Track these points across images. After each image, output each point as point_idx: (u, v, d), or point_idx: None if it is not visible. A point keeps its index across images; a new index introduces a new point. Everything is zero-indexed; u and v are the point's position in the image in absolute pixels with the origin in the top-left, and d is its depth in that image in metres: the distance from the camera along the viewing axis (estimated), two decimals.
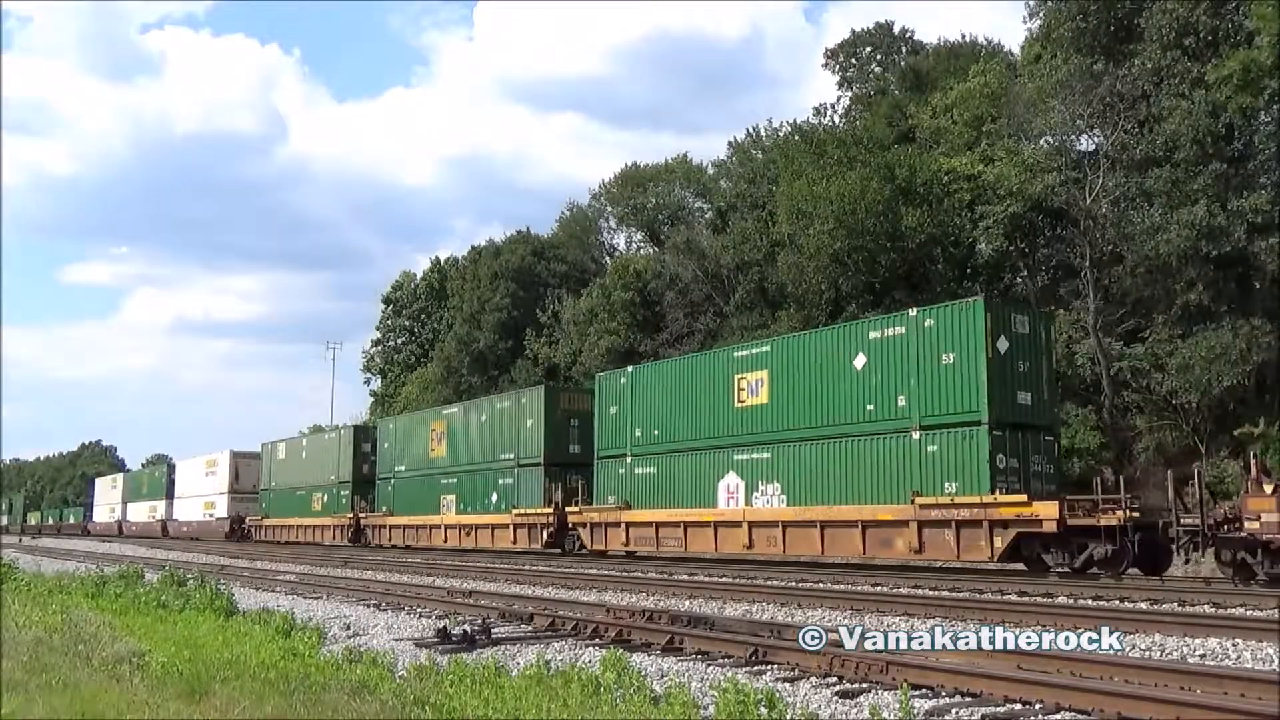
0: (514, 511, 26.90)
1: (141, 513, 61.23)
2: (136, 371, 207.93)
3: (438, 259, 67.26)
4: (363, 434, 37.93)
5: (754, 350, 20.89)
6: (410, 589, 15.33)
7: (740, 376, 20.49)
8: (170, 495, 56.29)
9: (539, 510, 26.06)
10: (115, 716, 6.14)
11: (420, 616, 11.85)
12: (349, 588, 15.77)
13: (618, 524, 23.04)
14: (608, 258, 54.64)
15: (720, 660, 7.87)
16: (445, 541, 30.16)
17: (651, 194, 52.00)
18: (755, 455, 19.85)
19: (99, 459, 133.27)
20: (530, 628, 10.17)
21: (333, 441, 39.31)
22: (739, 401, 20.37)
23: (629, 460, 23.28)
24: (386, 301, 69.41)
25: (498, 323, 52.36)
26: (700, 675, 7.28)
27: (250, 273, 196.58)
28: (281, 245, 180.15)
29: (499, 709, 5.94)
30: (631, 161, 57.23)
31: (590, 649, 8.72)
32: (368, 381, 71.29)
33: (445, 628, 9.48)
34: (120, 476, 71.90)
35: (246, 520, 45.27)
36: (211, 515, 49.05)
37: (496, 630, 9.76)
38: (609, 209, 55.20)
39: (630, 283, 44.44)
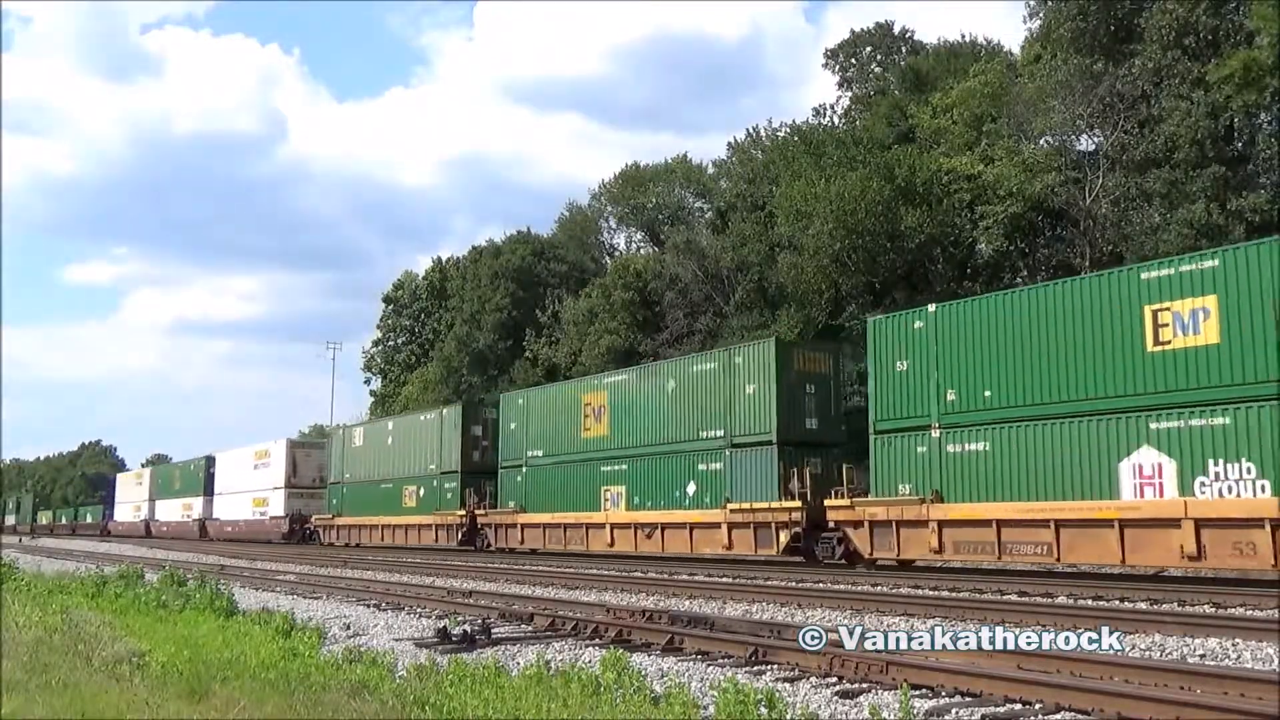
0: (728, 507, 20.18)
1: (173, 511, 55.42)
2: (136, 371, 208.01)
3: (439, 259, 67.25)
4: (473, 414, 30.68)
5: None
6: (410, 589, 15.34)
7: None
8: (209, 491, 49.95)
9: (773, 506, 19.35)
10: (115, 716, 6.14)
11: (420, 616, 11.85)
12: (349, 588, 15.78)
13: (924, 522, 16.25)
14: (608, 258, 54.64)
15: (720, 660, 7.87)
16: (611, 545, 23.02)
17: (651, 194, 51.99)
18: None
19: (99, 459, 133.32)
20: (530, 628, 10.17)
21: (432, 424, 31.55)
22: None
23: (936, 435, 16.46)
24: (387, 301, 69.40)
25: (498, 323, 52.36)
26: (700, 675, 7.28)
27: (250, 273, 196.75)
28: (281, 245, 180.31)
29: (499, 709, 5.94)
30: (631, 161, 57.28)
31: (590, 649, 8.72)
32: (368, 381, 71.34)
33: (445, 628, 9.48)
34: (147, 471, 63.79)
35: (312, 520, 38.63)
36: (263, 514, 42.90)
37: (496, 630, 9.76)
38: (609, 209, 55.20)
39: (630, 283, 44.45)
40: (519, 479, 26.50)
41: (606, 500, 23.59)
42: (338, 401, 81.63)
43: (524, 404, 27.48)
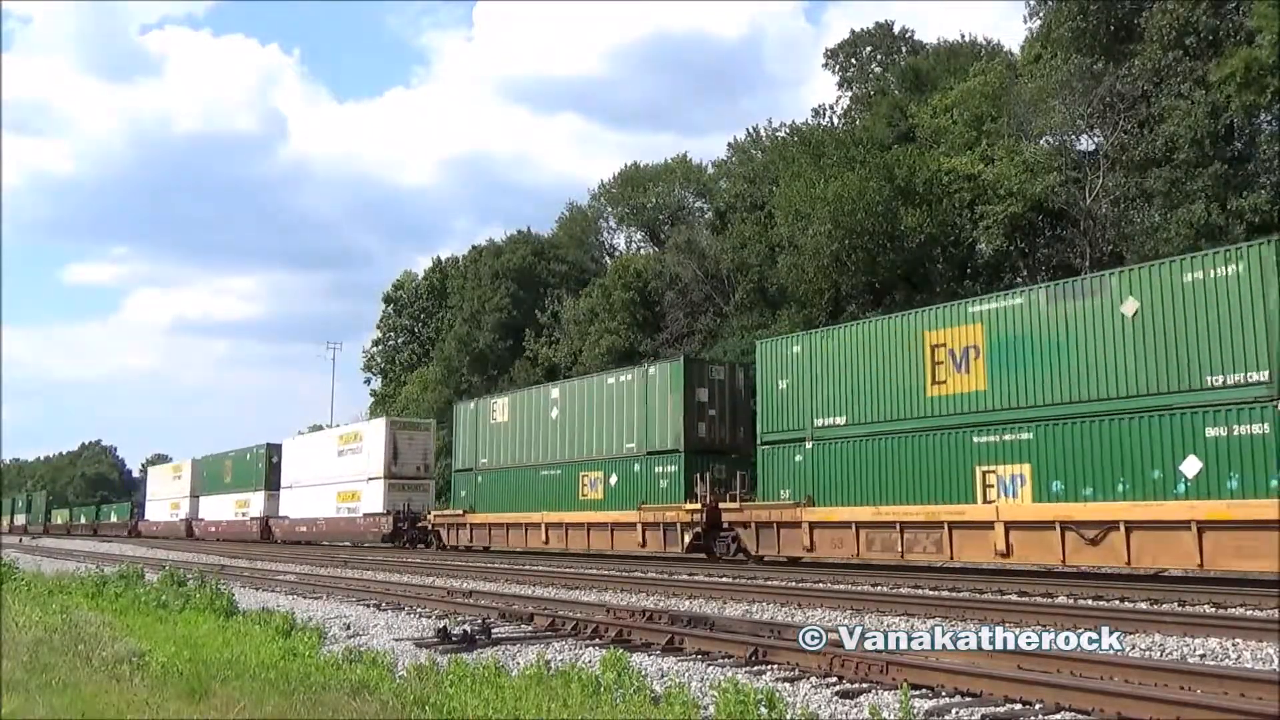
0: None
1: (223, 508, 48.52)
2: (136, 371, 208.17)
3: (439, 259, 67.33)
4: (696, 373, 22.49)
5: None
6: (410, 589, 15.33)
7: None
8: (273, 484, 43.05)
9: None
10: (115, 716, 6.13)
11: (420, 616, 11.85)
12: (349, 588, 15.77)
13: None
14: (608, 258, 54.70)
15: (720, 660, 7.86)
16: (1007, 554, 15.22)
17: (651, 194, 52.05)
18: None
19: (99, 459, 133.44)
20: (530, 628, 10.17)
21: (630, 388, 23.33)
22: None
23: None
24: (387, 301, 69.49)
25: (498, 323, 52.41)
26: (700, 675, 7.27)
27: (250, 273, 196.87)
28: (281, 245, 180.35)
29: (499, 709, 5.94)
30: (631, 161, 57.33)
31: (590, 649, 8.71)
32: (368, 381, 71.44)
33: (445, 628, 9.48)
34: (187, 463, 55.70)
35: (429, 517, 31.02)
36: (353, 510, 35.68)
37: (496, 630, 9.76)
38: (609, 209, 55.29)
39: (630, 282, 44.49)
40: (798, 459, 18.91)
41: (984, 483, 18.00)
42: (337, 401, 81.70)
43: (807, 349, 19.13)
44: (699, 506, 20.50)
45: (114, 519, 68.77)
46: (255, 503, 44.55)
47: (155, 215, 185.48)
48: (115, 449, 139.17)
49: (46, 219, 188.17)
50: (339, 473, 37.14)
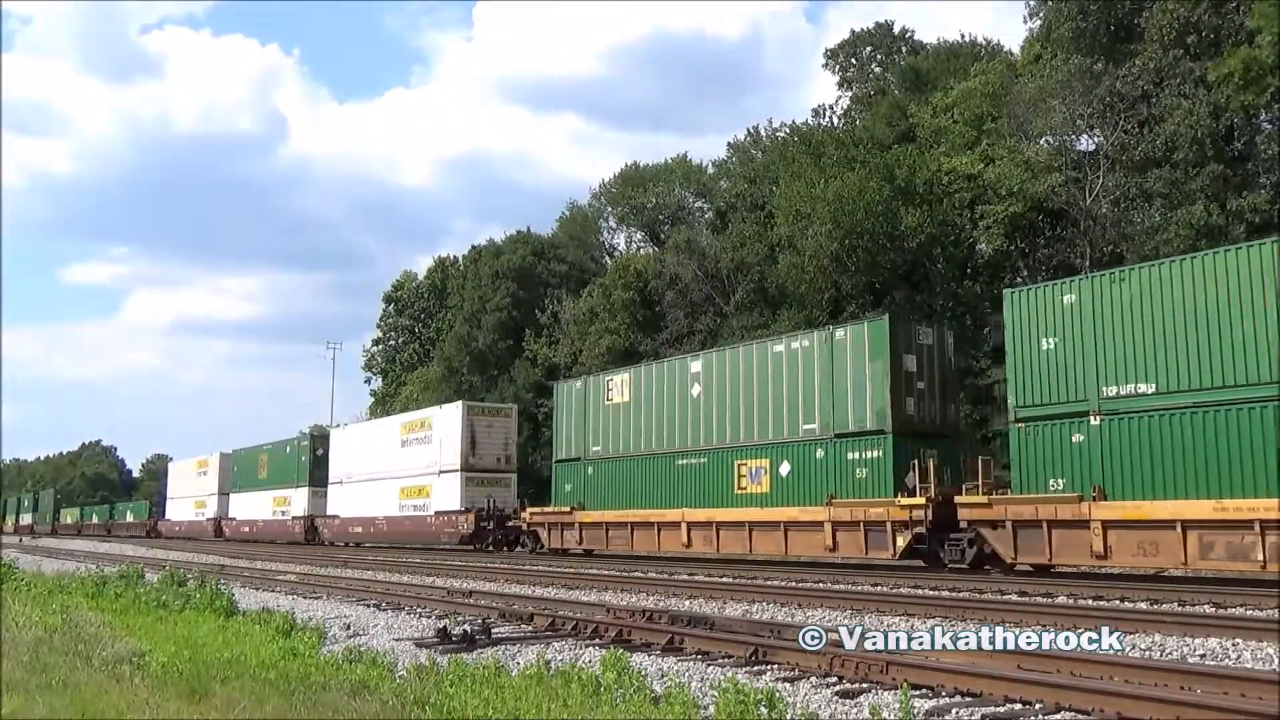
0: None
1: (258, 506, 44.30)
2: (136, 371, 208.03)
3: (442, 258, 67.40)
4: (904, 336, 18.26)
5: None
6: (410, 589, 15.33)
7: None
8: (318, 480, 39.03)
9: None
10: (115, 716, 6.13)
11: (420, 616, 11.85)
12: (349, 588, 15.77)
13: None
14: (608, 258, 54.69)
15: (720, 660, 7.86)
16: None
17: (651, 194, 52.04)
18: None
19: (99, 459, 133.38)
20: (530, 628, 10.17)
21: (806, 356, 19.18)
22: None
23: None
24: (387, 301, 69.52)
25: (498, 322, 52.41)
26: (700, 675, 7.28)
27: (250, 273, 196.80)
28: (282, 245, 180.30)
29: (499, 709, 5.94)
30: (631, 161, 57.33)
31: (590, 649, 8.71)
32: (368, 381, 71.46)
33: (445, 628, 9.48)
34: (215, 457, 50.95)
35: (524, 516, 26.66)
36: (422, 508, 31.45)
37: (496, 630, 9.76)
38: (609, 209, 55.27)
39: (631, 282, 44.48)
40: (1077, 438, 14.80)
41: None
42: (337, 401, 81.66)
43: (1090, 297, 15.01)
44: (923, 501, 16.44)
45: (130, 518, 64.44)
46: (297, 500, 40.20)
47: (155, 215, 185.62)
48: (115, 449, 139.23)
49: (46, 219, 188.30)
50: (403, 465, 32.70)
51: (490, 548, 28.43)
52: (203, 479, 51.54)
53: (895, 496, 17.02)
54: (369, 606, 13.18)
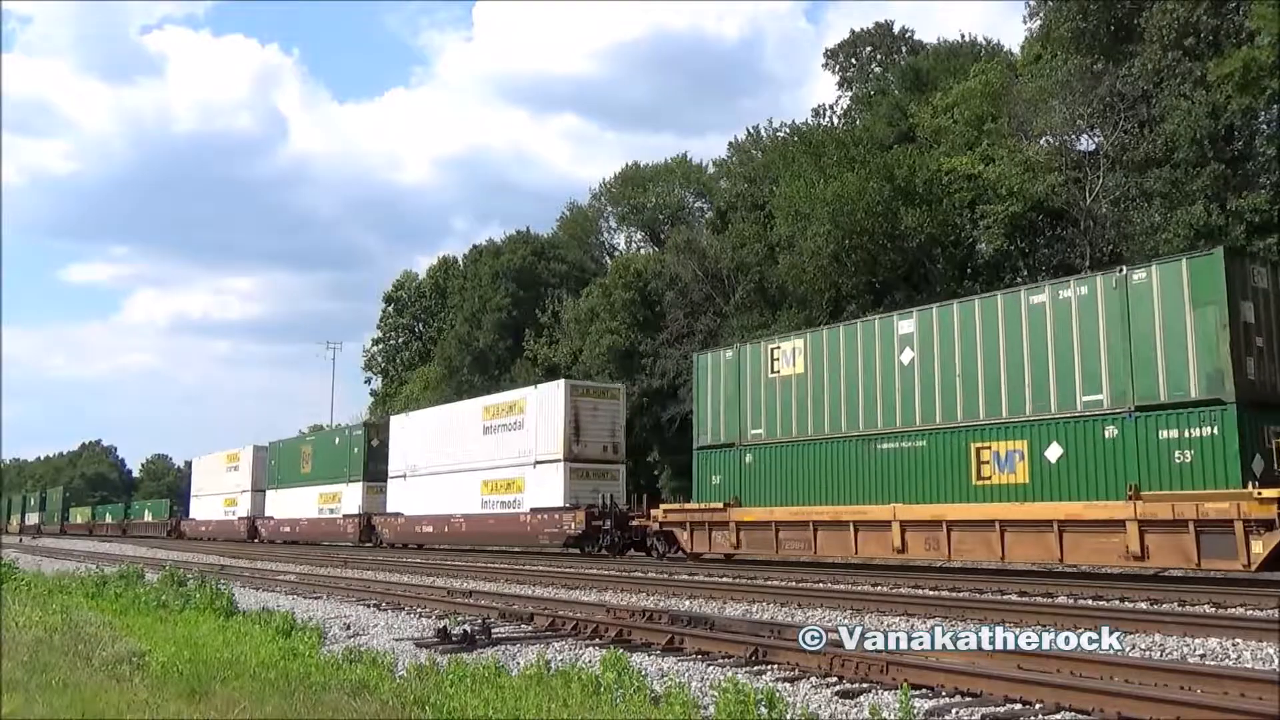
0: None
1: (302, 504, 39.61)
2: (136, 371, 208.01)
3: (444, 258, 67.48)
4: (1239, 276, 13.74)
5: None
6: (410, 589, 15.33)
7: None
8: (376, 473, 34.60)
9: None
10: (115, 716, 6.14)
11: (420, 616, 11.85)
12: (349, 588, 15.77)
13: None
14: (608, 258, 54.73)
15: (720, 660, 7.86)
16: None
17: (651, 194, 52.08)
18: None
19: (99, 459, 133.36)
20: (530, 628, 10.17)
21: (1086, 306, 14.82)
22: None
23: None
24: (387, 300, 69.58)
25: (498, 322, 52.44)
26: (700, 675, 7.28)
27: (250, 273, 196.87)
28: (282, 245, 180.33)
29: (499, 709, 5.94)
30: (631, 161, 57.36)
31: (590, 649, 8.72)
32: (368, 381, 71.51)
33: (445, 628, 9.48)
34: (247, 450, 46.43)
35: (658, 513, 22.16)
36: (512, 505, 27.00)
37: (496, 630, 9.76)
38: (609, 209, 55.32)
39: (631, 282, 44.50)
40: None
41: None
42: (337, 402, 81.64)
43: None
44: None
45: (148, 517, 59.65)
46: (350, 497, 35.81)
47: (155, 215, 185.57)
48: (115, 449, 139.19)
49: (46, 219, 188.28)
50: (485, 456, 28.30)
51: (604, 551, 24.00)
52: (233, 474, 47.06)
53: (1247, 486, 12.68)
54: (369, 606, 13.18)
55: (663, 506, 22.79)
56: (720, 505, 20.27)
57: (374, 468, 34.88)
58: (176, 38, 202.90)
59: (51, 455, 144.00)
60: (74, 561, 28.42)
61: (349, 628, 10.96)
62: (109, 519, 66.75)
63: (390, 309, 69.30)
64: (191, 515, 52.67)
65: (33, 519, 79.29)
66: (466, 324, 54.10)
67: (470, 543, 29.92)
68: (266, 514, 43.22)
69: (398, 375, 66.18)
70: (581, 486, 25.26)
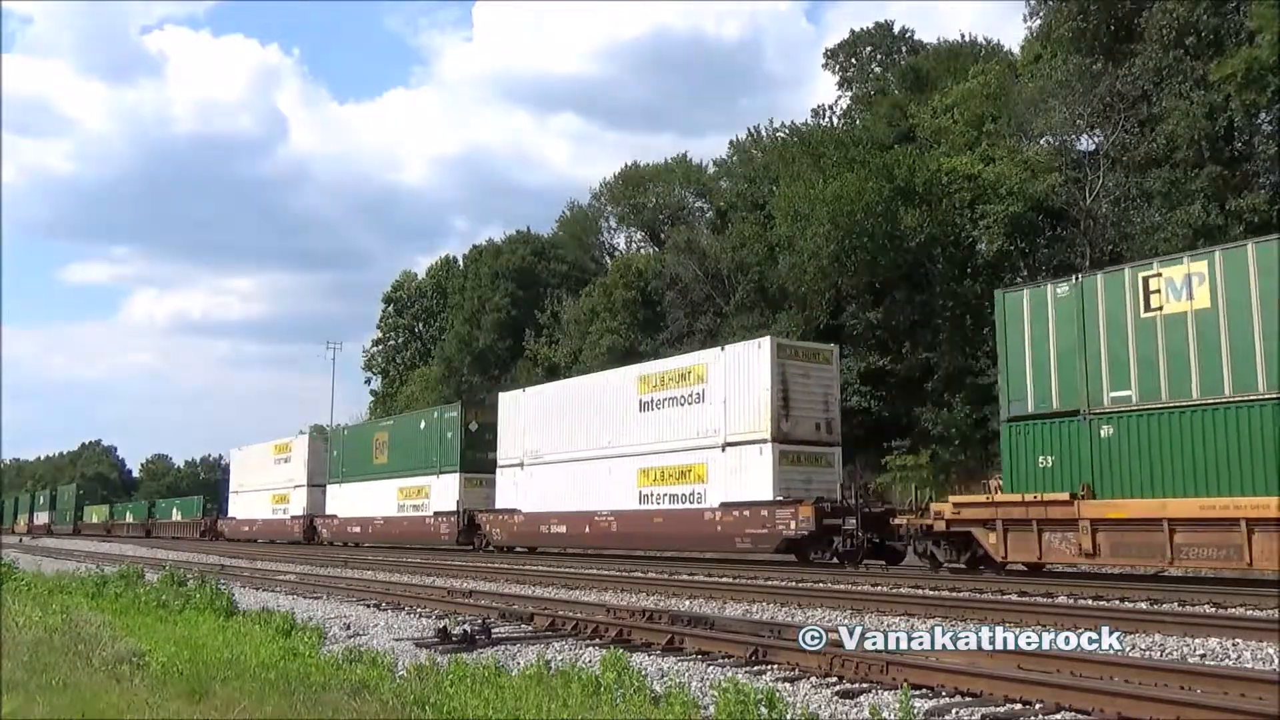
0: None
1: (376, 500, 33.50)
2: (136, 371, 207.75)
3: (444, 258, 67.55)
4: None
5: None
6: (410, 589, 15.33)
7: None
8: (475, 463, 29.42)
9: None
10: (115, 716, 6.14)
11: (420, 616, 11.85)
12: (349, 588, 15.77)
13: None
14: (608, 257, 54.75)
15: (720, 660, 7.86)
16: None
17: (652, 194, 52.10)
18: None
19: (99, 459, 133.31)
20: (530, 628, 10.17)
21: None
22: None
23: None
24: (387, 301, 69.63)
25: (497, 322, 52.46)
26: (700, 675, 7.28)
27: (250, 273, 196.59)
28: (282, 245, 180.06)
29: (499, 709, 5.93)
30: (631, 161, 57.38)
31: (590, 649, 8.71)
32: (368, 381, 71.55)
33: (445, 627, 9.48)
34: (301, 441, 41.03)
35: (942, 509, 16.25)
36: (690, 499, 21.41)
37: (496, 630, 9.76)
38: (609, 209, 55.34)
39: (631, 282, 44.52)
40: None
41: None
42: (337, 401, 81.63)
43: None
44: None
45: (177, 516, 53.88)
46: (442, 491, 30.26)
47: (155, 215, 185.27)
48: (115, 449, 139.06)
49: (46, 219, 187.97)
50: (645, 437, 22.84)
51: (838, 559, 18.19)
52: (283, 467, 40.78)
53: None
54: (369, 606, 13.18)
55: (952, 499, 16.67)
56: (1065, 496, 14.42)
57: (473, 457, 29.76)
58: (176, 38, 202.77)
59: (52, 455, 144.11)
60: (74, 561, 28.43)
61: (349, 628, 10.96)
62: (130, 518, 60.97)
63: (390, 309, 69.36)
64: (231, 514, 46.81)
65: (42, 519, 73.62)
66: (466, 324, 54.13)
67: (623, 544, 24.57)
68: (328, 512, 37.12)
69: (398, 375, 66.21)
70: (791, 475, 19.58)
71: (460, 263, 63.27)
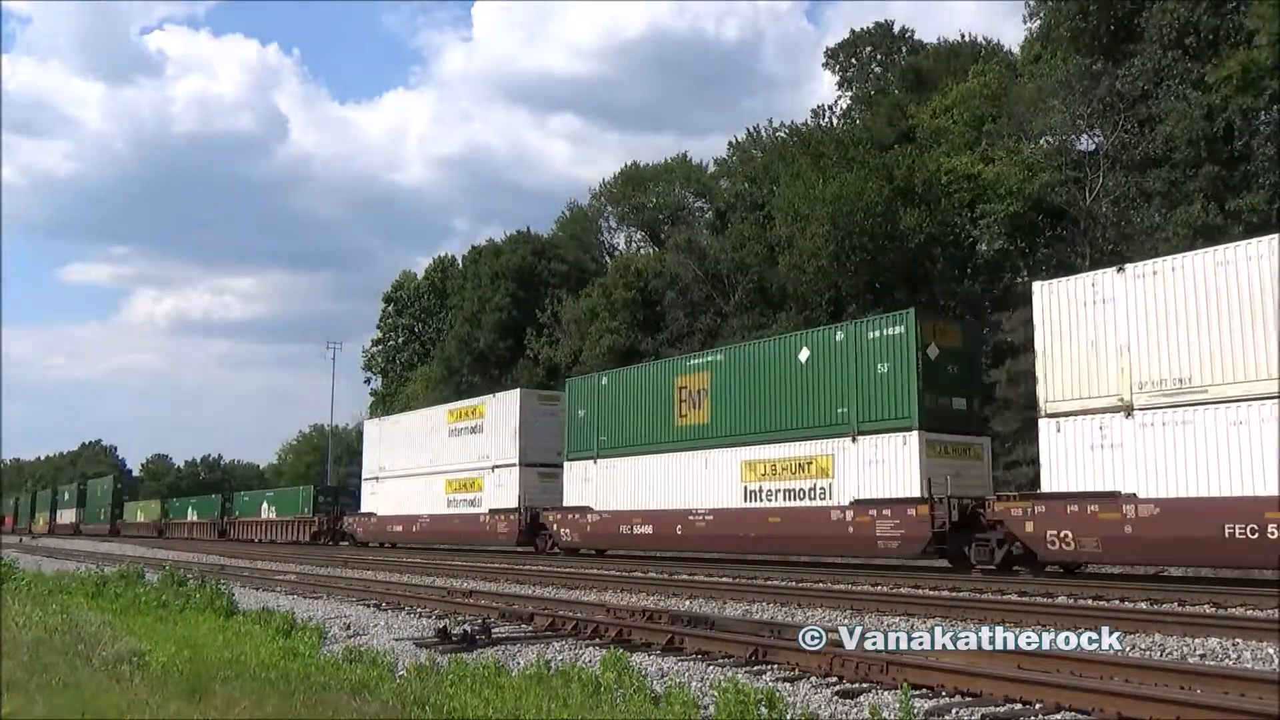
0: None
1: (692, 480, 20.63)
2: (136, 371, 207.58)
3: (443, 258, 67.49)
4: None
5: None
6: (410, 589, 15.33)
7: None
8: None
9: None
10: (115, 716, 6.13)
11: (420, 616, 11.85)
12: (349, 588, 15.77)
13: None
14: (608, 257, 54.72)
15: (720, 660, 7.86)
16: None
17: (652, 194, 52.07)
18: None
19: (99, 459, 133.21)
20: (530, 628, 10.17)
21: None
22: None
23: None
24: (387, 300, 69.62)
25: (498, 322, 52.43)
26: (700, 675, 7.28)
27: (250, 273, 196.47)
28: (282, 245, 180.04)
29: (499, 709, 5.94)
30: (631, 161, 57.34)
31: (590, 649, 8.71)
32: (368, 381, 71.52)
33: (445, 628, 9.48)
34: (505, 400, 28.27)
35: None
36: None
37: (496, 630, 9.76)
38: (609, 209, 55.29)
39: (631, 282, 44.50)
40: None
41: None
42: (337, 401, 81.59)
43: None
44: None
45: (270, 513, 40.63)
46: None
47: (155, 215, 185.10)
48: (115, 449, 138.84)
49: (46, 219, 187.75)
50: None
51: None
52: (473, 440, 28.95)
53: None
54: (369, 606, 13.18)
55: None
56: None
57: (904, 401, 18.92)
58: (176, 38, 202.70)
59: (51, 455, 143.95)
60: (74, 561, 28.42)
61: (349, 628, 10.96)
62: (193, 515, 47.90)
63: (390, 309, 69.34)
64: (367, 509, 34.64)
65: (68, 517, 61.84)
66: (467, 324, 54.10)
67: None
68: (578, 502, 24.26)
69: (398, 375, 66.20)
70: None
71: (460, 263, 63.25)
